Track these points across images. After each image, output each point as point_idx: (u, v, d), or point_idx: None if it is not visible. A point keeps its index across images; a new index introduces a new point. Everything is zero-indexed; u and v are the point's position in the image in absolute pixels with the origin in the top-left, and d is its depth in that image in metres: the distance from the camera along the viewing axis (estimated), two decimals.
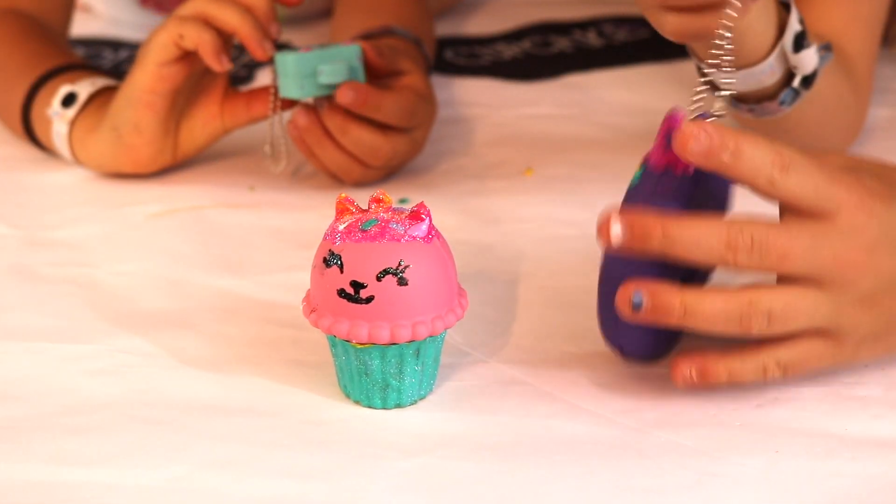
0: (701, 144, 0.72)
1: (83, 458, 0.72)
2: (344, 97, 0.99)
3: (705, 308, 0.72)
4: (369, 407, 0.76)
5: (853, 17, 1.02)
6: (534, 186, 1.05)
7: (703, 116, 0.78)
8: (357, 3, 1.20)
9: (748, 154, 0.72)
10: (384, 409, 0.76)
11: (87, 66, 1.09)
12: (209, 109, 1.06)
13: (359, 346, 0.74)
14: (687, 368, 0.74)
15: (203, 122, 1.06)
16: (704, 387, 0.74)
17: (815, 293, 0.73)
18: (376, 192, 0.76)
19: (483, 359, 0.81)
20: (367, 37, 1.10)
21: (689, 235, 0.72)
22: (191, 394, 0.78)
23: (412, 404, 0.76)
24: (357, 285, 0.73)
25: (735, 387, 0.76)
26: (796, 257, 0.72)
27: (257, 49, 1.00)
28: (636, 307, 0.72)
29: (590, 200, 0.99)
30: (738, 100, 0.95)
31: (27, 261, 0.95)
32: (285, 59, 1.00)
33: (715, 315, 0.72)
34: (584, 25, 1.39)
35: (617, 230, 0.72)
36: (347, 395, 0.77)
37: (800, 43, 0.90)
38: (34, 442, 0.74)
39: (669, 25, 0.80)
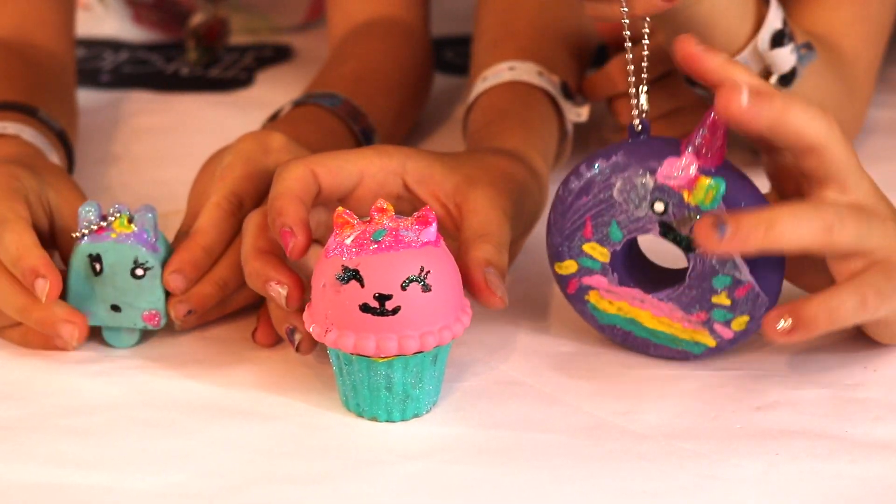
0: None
1: (82, 460, 0.72)
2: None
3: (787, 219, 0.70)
4: (388, 421, 0.75)
5: (858, 18, 1.00)
6: None
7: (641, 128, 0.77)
8: None
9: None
10: (403, 420, 0.75)
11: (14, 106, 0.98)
12: None
13: (381, 360, 0.73)
14: (779, 318, 0.70)
15: None
16: (803, 336, 0.71)
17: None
18: (378, 201, 0.75)
19: (484, 361, 0.81)
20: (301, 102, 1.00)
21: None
22: (191, 396, 0.78)
23: (427, 412, 0.76)
24: (382, 298, 0.72)
25: (737, 390, 0.77)
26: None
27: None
28: (721, 234, 0.70)
29: None
30: None
31: None
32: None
33: (798, 224, 0.70)
34: None
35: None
36: (361, 414, 0.75)
37: (778, 41, 0.87)
38: (33, 443, 0.74)
39: (588, 10, 0.76)
